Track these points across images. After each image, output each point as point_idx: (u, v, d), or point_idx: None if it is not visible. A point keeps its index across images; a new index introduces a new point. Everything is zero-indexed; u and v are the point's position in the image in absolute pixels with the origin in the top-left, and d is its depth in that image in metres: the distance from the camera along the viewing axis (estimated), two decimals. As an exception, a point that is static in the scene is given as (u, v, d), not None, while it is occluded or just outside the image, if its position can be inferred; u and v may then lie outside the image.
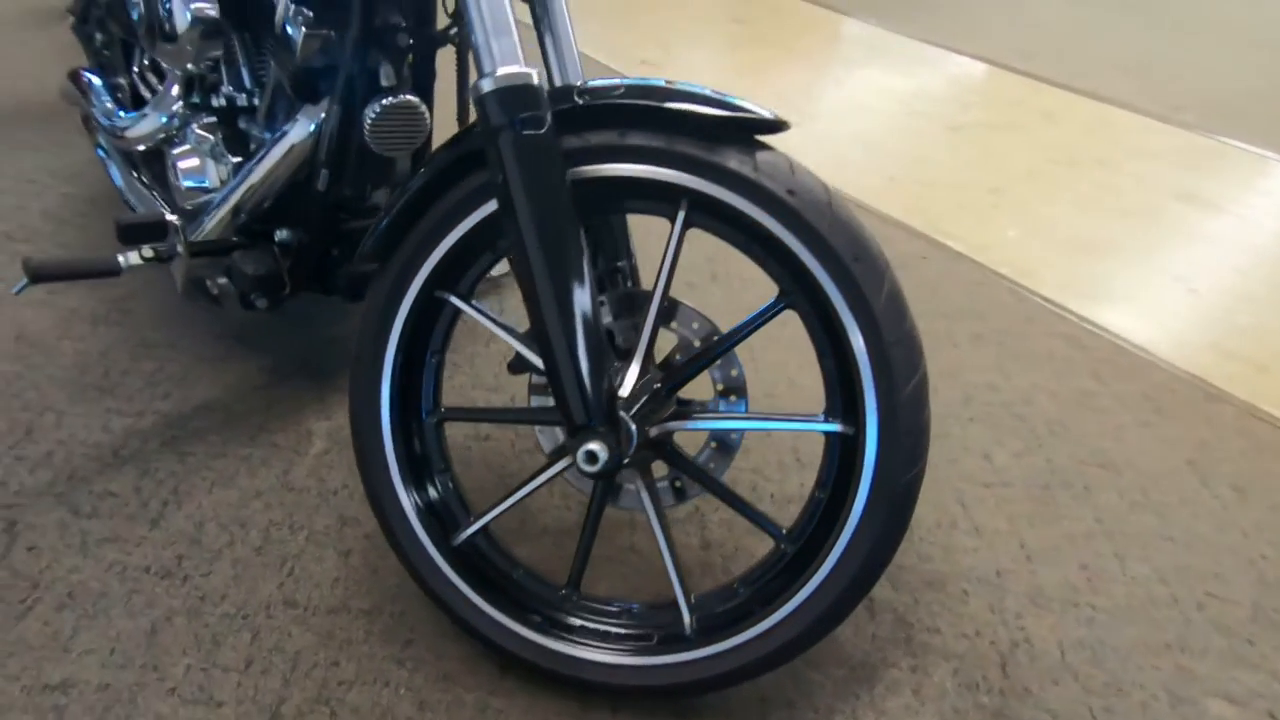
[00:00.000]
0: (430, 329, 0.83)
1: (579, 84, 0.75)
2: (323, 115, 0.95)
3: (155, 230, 0.94)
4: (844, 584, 0.76)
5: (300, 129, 0.96)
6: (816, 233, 0.70)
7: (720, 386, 0.86)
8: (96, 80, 1.23)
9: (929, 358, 0.75)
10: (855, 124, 2.20)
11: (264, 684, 0.89)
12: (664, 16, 2.98)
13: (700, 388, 0.87)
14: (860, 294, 0.71)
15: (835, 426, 0.76)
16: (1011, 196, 1.90)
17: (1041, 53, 2.91)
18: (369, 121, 0.93)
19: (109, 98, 1.20)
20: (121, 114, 1.16)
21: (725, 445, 0.87)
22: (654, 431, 0.77)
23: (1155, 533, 1.09)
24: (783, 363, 1.40)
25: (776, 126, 0.74)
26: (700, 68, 2.53)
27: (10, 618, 0.96)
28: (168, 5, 0.95)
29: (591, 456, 0.68)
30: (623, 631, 0.85)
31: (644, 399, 0.77)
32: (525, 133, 0.66)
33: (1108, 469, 1.19)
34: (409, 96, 0.96)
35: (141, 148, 1.16)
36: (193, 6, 0.94)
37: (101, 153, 1.21)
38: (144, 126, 1.11)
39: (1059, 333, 1.47)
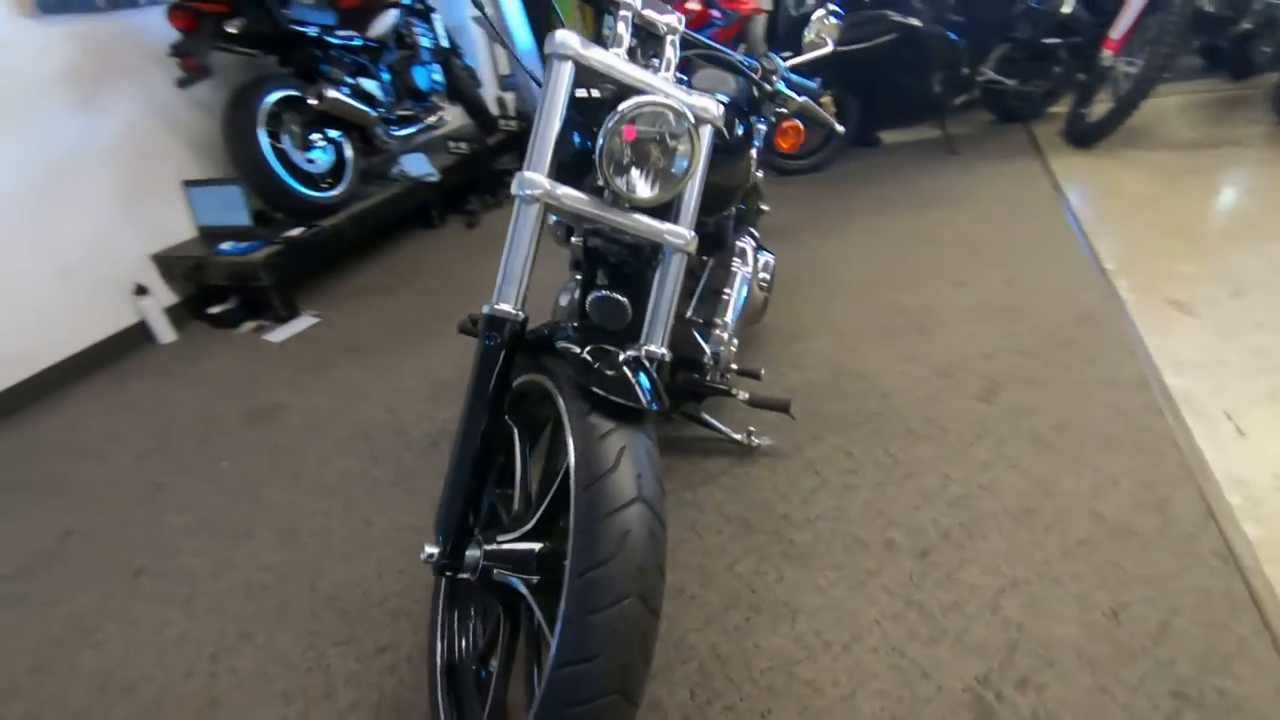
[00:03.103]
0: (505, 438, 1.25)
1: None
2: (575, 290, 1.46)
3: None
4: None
5: (568, 295, 1.49)
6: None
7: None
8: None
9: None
10: None
11: (393, 586, 1.51)
12: (1260, 249, 2.17)
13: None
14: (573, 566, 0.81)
15: None
16: None
17: None
18: (588, 303, 1.39)
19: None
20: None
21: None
22: (496, 575, 1.01)
23: None
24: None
25: (648, 410, 0.89)
26: (1237, 329, 1.82)
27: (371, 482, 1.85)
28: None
29: (424, 549, 1.00)
30: (448, 708, 1.12)
31: (506, 550, 1.02)
32: (487, 344, 1.02)
33: None
34: (615, 294, 1.37)
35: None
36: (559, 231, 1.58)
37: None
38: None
39: None
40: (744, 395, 1.71)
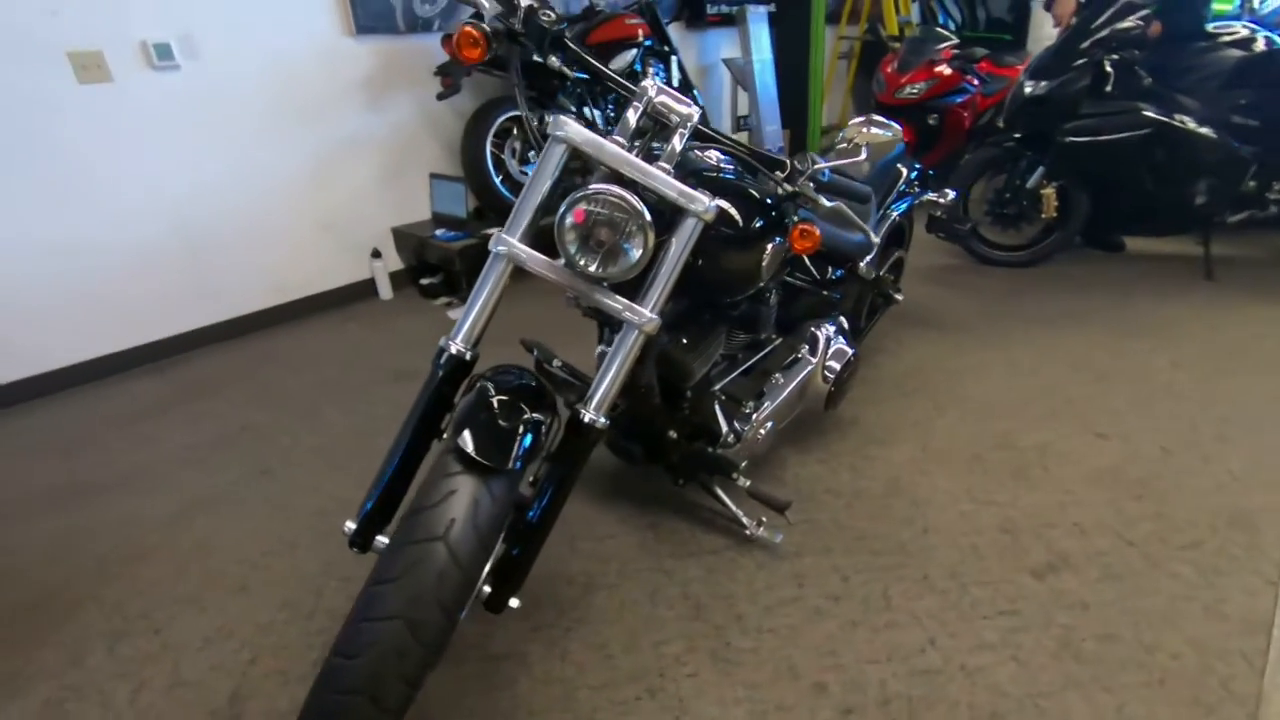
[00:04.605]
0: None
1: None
2: None
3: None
4: None
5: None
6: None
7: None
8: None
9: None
10: None
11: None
12: None
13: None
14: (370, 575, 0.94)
15: None
16: None
17: None
18: (595, 355, 1.50)
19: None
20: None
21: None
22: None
23: None
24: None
25: (498, 469, 0.99)
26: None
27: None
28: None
29: (346, 524, 1.19)
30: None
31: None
32: (435, 370, 1.18)
33: None
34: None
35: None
36: None
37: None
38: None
39: None
40: (745, 482, 1.67)
